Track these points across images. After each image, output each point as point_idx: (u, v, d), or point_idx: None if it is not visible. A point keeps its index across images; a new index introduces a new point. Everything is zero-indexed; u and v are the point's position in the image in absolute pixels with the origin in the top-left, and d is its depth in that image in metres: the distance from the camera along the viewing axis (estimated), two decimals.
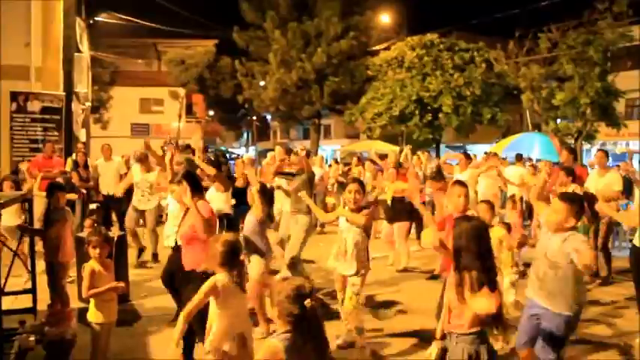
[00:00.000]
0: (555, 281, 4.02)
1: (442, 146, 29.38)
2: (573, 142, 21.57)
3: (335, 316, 5.95)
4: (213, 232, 4.76)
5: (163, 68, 39.33)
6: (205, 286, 3.71)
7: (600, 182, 8.28)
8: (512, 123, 27.77)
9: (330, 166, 18.69)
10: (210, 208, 4.96)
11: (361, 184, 5.64)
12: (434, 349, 3.94)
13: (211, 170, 7.06)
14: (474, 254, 3.41)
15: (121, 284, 4.76)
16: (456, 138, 30.25)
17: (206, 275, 4.05)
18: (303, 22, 28.15)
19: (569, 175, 7.73)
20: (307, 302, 2.85)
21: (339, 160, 24.80)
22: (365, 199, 5.73)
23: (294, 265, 7.33)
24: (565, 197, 4.14)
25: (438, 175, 9.20)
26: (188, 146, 10.65)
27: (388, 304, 7.18)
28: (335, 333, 5.68)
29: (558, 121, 22.52)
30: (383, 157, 14.41)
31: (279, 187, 8.49)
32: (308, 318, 2.85)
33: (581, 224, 6.83)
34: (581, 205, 4.12)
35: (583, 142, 22.70)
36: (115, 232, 7.53)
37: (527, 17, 23.25)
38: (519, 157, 14.50)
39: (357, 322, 5.37)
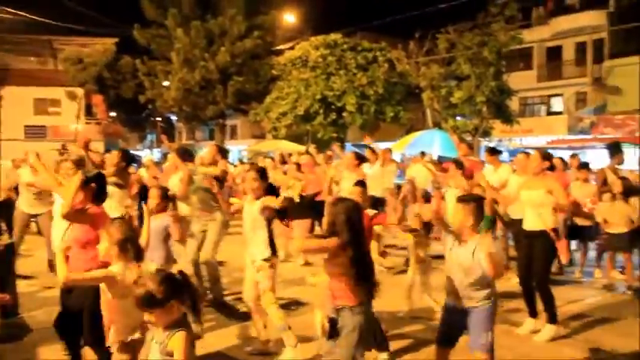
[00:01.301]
0: (473, 284, 4.12)
1: (347, 145, 29.79)
2: (471, 138, 22.47)
3: (243, 318, 5.87)
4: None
5: (59, 67, 37.46)
6: (101, 272, 3.68)
7: (494, 176, 8.64)
8: (414, 121, 28.56)
9: (235, 166, 18.54)
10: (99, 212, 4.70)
11: (260, 172, 5.53)
12: (317, 315, 4.10)
13: (97, 157, 6.71)
14: (345, 237, 3.69)
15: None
16: (361, 136, 30.75)
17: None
18: (206, 20, 27.70)
19: (459, 168, 8.01)
20: None
21: (244, 160, 24.59)
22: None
23: (210, 264, 7.11)
24: (461, 198, 4.28)
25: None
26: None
27: (294, 304, 7.14)
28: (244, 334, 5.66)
29: (458, 118, 23.39)
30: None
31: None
32: None
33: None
34: (479, 203, 4.21)
35: (480, 139, 23.69)
36: (3, 241, 7.05)
37: (427, 19, 24.02)
38: (423, 154, 14.91)
39: (278, 320, 5.23)
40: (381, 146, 15.28)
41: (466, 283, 4.13)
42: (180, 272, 3.07)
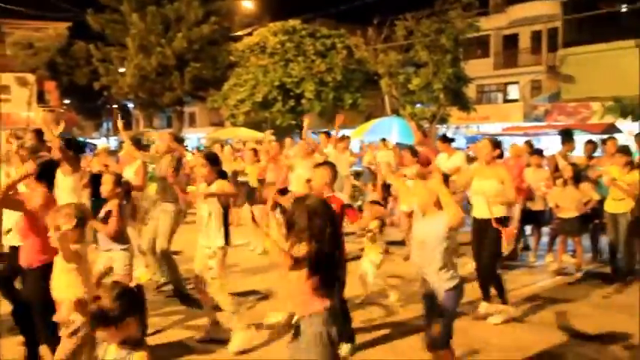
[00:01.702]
0: (433, 259, 4.10)
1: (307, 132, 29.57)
2: (428, 125, 22.60)
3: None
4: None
5: (8, 52, 36.23)
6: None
7: (447, 164, 8.72)
8: (374, 108, 28.60)
9: (193, 154, 18.36)
10: (42, 194, 4.53)
11: (209, 159, 5.45)
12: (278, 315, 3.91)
13: (55, 142, 6.47)
14: (307, 235, 3.28)
15: None
16: (320, 123, 30.64)
17: (43, 271, 3.98)
18: (162, 5, 27.15)
19: (414, 156, 8.09)
20: None
21: (201, 148, 24.29)
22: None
23: (166, 256, 6.98)
24: (423, 176, 4.33)
25: None
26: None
27: (251, 293, 7.06)
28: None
29: (418, 105, 23.48)
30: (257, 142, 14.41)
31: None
32: None
33: None
34: (443, 179, 4.17)
35: (438, 126, 23.86)
36: None
37: (385, 5, 24.01)
38: (384, 141, 14.99)
39: (227, 306, 5.19)
40: (342, 134, 15.42)
41: (426, 260, 4.11)
42: (138, 286, 2.87)
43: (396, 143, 16.62)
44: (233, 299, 5.33)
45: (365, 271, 6.52)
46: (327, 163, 5.39)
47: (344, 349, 5.01)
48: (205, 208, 5.33)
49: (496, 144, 6.18)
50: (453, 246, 4.40)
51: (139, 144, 8.03)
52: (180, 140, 7.18)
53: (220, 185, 5.32)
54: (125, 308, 2.65)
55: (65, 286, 3.86)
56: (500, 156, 6.31)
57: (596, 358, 5.18)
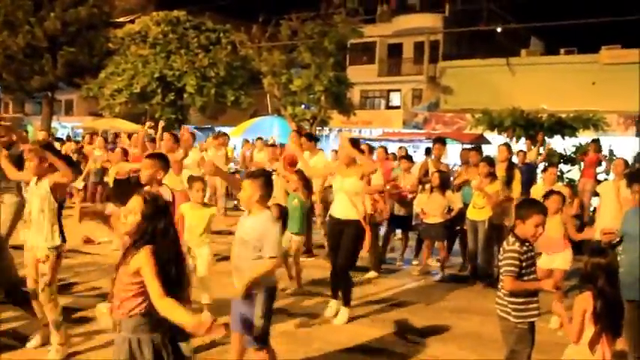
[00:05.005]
0: (245, 259, 4.05)
1: (190, 127, 28.70)
2: (309, 127, 22.61)
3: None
4: None
5: None
6: None
7: (309, 162, 8.63)
8: (260, 106, 28.24)
9: (63, 143, 17.48)
10: None
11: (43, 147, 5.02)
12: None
13: None
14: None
15: None
16: (202, 119, 29.86)
17: None
18: None
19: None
20: None
21: (72, 137, 22.99)
22: None
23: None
24: (248, 174, 4.25)
25: None
26: None
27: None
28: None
29: (303, 106, 23.43)
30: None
31: None
32: None
33: (299, 201, 7.29)
34: (267, 178, 4.19)
35: (318, 128, 23.94)
36: None
37: (271, 4, 23.79)
38: (260, 140, 14.78)
39: (55, 315, 4.82)
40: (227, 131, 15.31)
41: (244, 258, 4.04)
42: None
43: (280, 144, 16.58)
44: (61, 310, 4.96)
45: None
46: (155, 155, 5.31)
47: (184, 348, 4.77)
48: (36, 203, 4.88)
49: (355, 143, 6.23)
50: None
51: None
52: None
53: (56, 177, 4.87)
54: None
55: None
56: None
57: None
